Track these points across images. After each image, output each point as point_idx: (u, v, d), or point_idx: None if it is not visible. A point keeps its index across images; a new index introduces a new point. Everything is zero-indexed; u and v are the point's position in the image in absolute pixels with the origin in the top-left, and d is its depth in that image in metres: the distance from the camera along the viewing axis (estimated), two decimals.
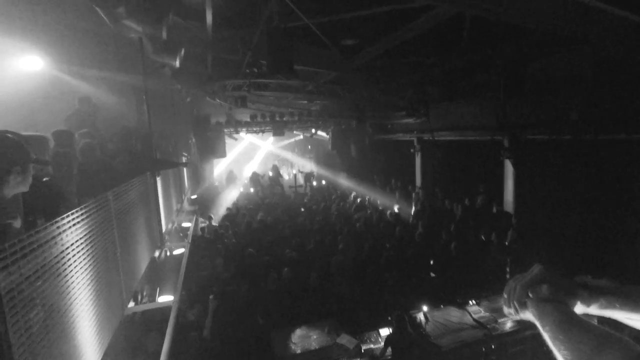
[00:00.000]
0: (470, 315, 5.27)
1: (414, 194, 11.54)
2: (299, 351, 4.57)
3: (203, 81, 8.00)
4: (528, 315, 0.76)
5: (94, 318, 2.24)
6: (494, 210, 8.72)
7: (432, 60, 7.23)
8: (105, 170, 3.31)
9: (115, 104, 6.10)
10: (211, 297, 4.59)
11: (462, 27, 5.26)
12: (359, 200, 11.66)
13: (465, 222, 8.49)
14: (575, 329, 0.64)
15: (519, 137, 7.91)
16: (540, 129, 7.31)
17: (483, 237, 7.42)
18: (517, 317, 0.80)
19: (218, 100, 9.04)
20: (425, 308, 5.37)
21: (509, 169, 8.33)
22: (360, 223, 8.63)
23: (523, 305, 0.77)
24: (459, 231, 7.76)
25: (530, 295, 0.75)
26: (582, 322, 0.66)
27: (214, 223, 8.81)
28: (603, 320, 0.76)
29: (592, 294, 0.72)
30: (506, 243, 7.10)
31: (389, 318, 4.78)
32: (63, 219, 1.85)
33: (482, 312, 5.34)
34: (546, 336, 0.68)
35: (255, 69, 6.80)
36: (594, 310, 0.73)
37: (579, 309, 0.73)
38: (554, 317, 0.68)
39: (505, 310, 0.83)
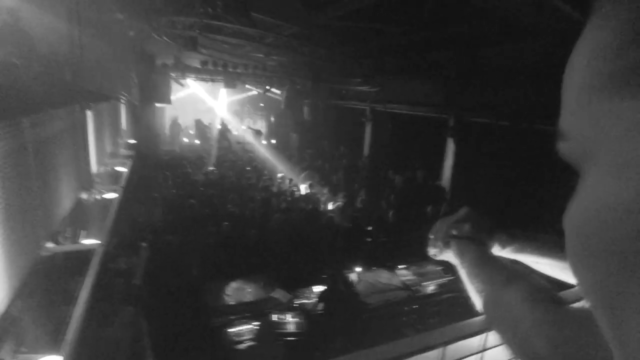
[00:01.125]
0: (399, 278, 5.65)
1: (359, 162, 11.80)
2: (232, 302, 4.61)
3: (149, 14, 7.23)
4: (449, 255, 0.81)
5: (3, 254, 2.02)
6: (432, 184, 9.24)
7: (393, 30, 7.17)
8: (25, 96, 2.91)
9: (45, 24, 5.32)
10: (144, 245, 4.40)
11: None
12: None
13: (404, 193, 8.91)
14: (488, 265, 0.70)
15: (463, 117, 8.32)
16: (483, 112, 7.72)
17: (419, 208, 7.86)
18: (440, 257, 0.85)
19: (165, 39, 8.28)
20: (358, 269, 5.64)
21: (450, 147, 8.76)
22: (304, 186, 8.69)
23: (447, 244, 0.82)
24: (398, 201, 8.13)
25: (454, 233, 0.81)
26: (496, 260, 0.73)
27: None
28: (515, 263, 0.83)
29: (508, 238, 0.79)
30: (439, 215, 7.58)
31: (323, 276, 4.95)
32: None
33: (409, 275, 5.74)
34: (463, 272, 0.73)
35: (209, 8, 6.27)
36: (508, 252, 0.80)
37: (496, 250, 0.79)
38: (471, 254, 0.74)
39: (431, 251, 0.87)
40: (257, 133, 15.80)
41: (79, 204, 4.08)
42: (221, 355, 4.01)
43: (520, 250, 0.79)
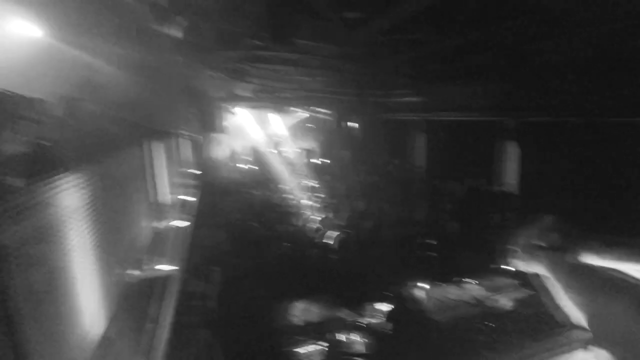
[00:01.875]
0: (469, 293, 5.31)
1: (414, 174, 11.51)
2: (299, 323, 4.63)
3: (203, 53, 7.80)
4: (537, 267, 0.74)
5: (96, 282, 2.23)
6: (496, 191, 8.70)
7: (436, 37, 7.03)
8: (105, 139, 3.25)
9: (115, 75, 5.96)
10: (217, 269, 4.61)
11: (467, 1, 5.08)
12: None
13: (466, 202, 8.49)
14: (588, 277, 0.63)
15: (524, 118, 7.82)
16: (546, 110, 7.20)
17: (483, 217, 7.43)
18: (526, 269, 0.78)
19: (218, 73, 8.86)
20: (424, 285, 5.41)
21: (511, 150, 8.25)
22: (361, 202, 8.63)
23: (532, 256, 0.75)
24: (460, 211, 7.76)
25: (541, 244, 0.74)
26: (595, 270, 0.65)
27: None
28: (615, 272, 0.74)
29: (604, 245, 0.71)
30: (506, 223, 7.11)
31: (389, 294, 4.81)
32: (60, 179, 1.80)
33: (481, 290, 5.38)
34: (555, 285, 0.66)
35: (256, 41, 6.61)
36: (606, 261, 0.71)
37: (591, 259, 0.71)
38: (566, 266, 0.67)
39: (515, 263, 0.81)
40: (309, 153, 16.13)
41: (155, 233, 4.41)
42: None
43: (621, 257, 0.71)
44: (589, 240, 0.73)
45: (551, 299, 0.70)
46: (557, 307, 0.68)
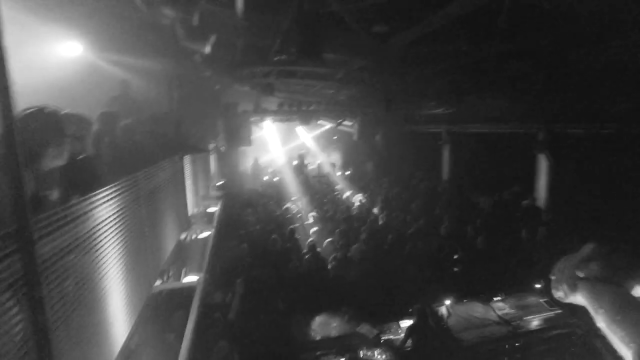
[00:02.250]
0: (495, 311, 5.15)
1: (439, 187, 11.32)
2: (318, 337, 4.62)
3: (232, 68, 8.05)
4: (578, 298, 0.70)
5: (124, 293, 2.34)
6: (524, 205, 8.41)
7: (465, 48, 6.95)
8: (138, 152, 3.42)
9: (148, 90, 6.27)
10: (239, 281, 4.69)
11: (499, 11, 5.02)
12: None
13: (493, 217, 8.25)
14: (635, 311, 0.59)
15: (556, 129, 7.57)
16: (578, 121, 6.94)
17: (512, 233, 7.19)
18: (567, 300, 0.74)
19: (246, 88, 9.10)
20: (447, 302, 5.28)
21: (542, 163, 7.98)
22: (383, 214, 8.56)
23: (573, 287, 0.71)
24: (487, 225, 7.55)
25: (582, 275, 0.70)
26: None
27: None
28: None
29: None
30: (536, 239, 6.84)
31: (410, 310, 4.73)
32: (96, 194, 1.92)
33: (507, 308, 5.20)
34: (600, 319, 0.63)
35: (284, 55, 6.78)
36: None
37: (636, 290, 0.67)
38: (609, 298, 0.63)
39: (555, 293, 0.77)
40: (332, 165, 16.18)
41: (179, 244, 4.55)
42: None
43: None
44: (635, 270, 0.69)
45: (591, 329, 0.67)
46: (599, 338, 0.65)
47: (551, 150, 7.76)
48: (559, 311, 4.97)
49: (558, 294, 0.77)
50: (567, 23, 5.30)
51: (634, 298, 0.64)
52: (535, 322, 4.93)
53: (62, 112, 2.17)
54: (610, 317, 0.62)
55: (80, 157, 2.27)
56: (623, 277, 0.66)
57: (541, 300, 5.28)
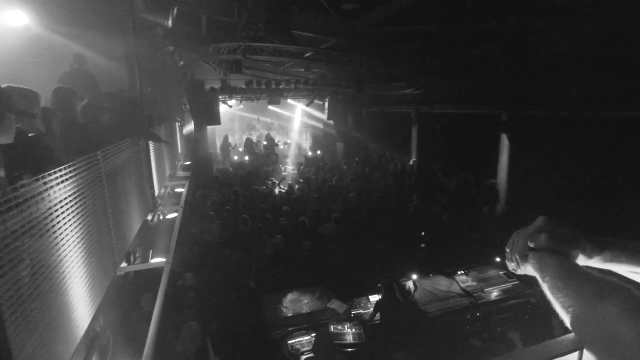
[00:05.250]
0: (458, 285, 5.41)
1: (408, 167, 11.57)
2: (290, 314, 4.69)
3: (197, 43, 7.72)
4: (529, 269, 0.75)
5: (85, 276, 2.25)
6: (487, 184, 8.79)
7: (433, 29, 7.00)
8: (98, 131, 3.24)
9: (105, 65, 5.90)
10: (207, 261, 4.60)
11: None
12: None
13: (458, 196, 8.56)
14: (575, 278, 0.63)
15: (517, 112, 7.85)
16: (538, 104, 7.23)
17: (475, 211, 7.51)
18: (520, 272, 0.78)
19: (212, 65, 8.78)
20: (414, 277, 5.49)
21: (504, 144, 8.30)
22: (354, 194, 8.66)
23: (524, 258, 0.75)
24: (452, 204, 7.83)
25: (531, 245, 0.74)
26: (582, 271, 0.65)
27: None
28: (606, 273, 0.74)
29: (596, 246, 0.71)
30: (497, 216, 7.20)
31: (379, 285, 4.89)
32: (50, 174, 1.81)
33: (470, 281, 5.48)
34: (545, 287, 0.67)
35: (251, 32, 6.56)
36: (597, 262, 0.71)
37: (581, 260, 0.71)
38: (554, 267, 0.67)
39: (509, 265, 0.81)
40: (302, 145, 16.12)
41: (146, 226, 4.42)
42: None
43: (614, 259, 0.71)
44: (579, 242, 0.73)
45: (540, 298, 0.71)
46: (545, 307, 0.69)
47: (512, 131, 8.06)
48: (517, 283, 5.30)
49: (511, 265, 0.81)
50: (528, 8, 5.46)
51: (576, 266, 0.68)
52: (494, 294, 5.24)
53: (6, 86, 2.01)
54: (554, 284, 0.65)
55: (31, 134, 2.12)
56: (567, 247, 0.71)
57: (501, 273, 5.60)
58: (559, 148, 7.01)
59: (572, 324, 0.60)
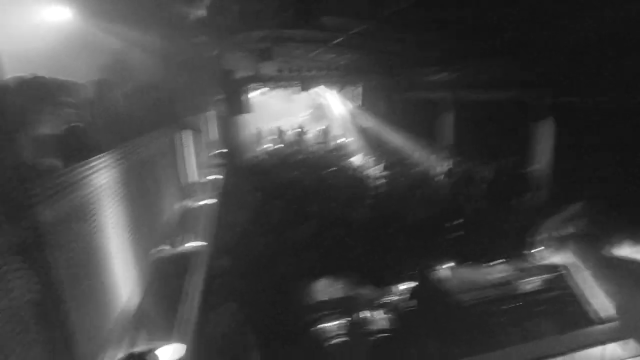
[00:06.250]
0: (495, 274, 5.25)
1: (442, 154, 11.26)
2: (322, 299, 4.74)
3: (227, 32, 7.80)
4: (569, 255, 0.72)
5: (127, 258, 2.37)
6: (527, 173, 8.38)
7: (466, 11, 6.66)
8: (133, 120, 3.37)
9: (142, 57, 6.08)
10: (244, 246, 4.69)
11: None
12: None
13: (496, 183, 8.26)
14: (617, 266, 0.61)
15: (560, 98, 7.39)
16: (584, 91, 6.75)
17: (512, 199, 7.21)
18: (553, 258, 0.75)
19: (243, 53, 8.85)
20: (450, 264, 5.38)
21: (545, 131, 7.85)
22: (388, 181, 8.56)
23: (563, 243, 0.72)
24: (490, 192, 7.56)
25: (571, 231, 0.71)
26: (626, 260, 0.63)
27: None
28: None
29: (636, 235, 0.67)
30: (535, 205, 6.87)
31: (414, 272, 4.83)
32: (93, 161, 1.90)
33: (507, 271, 5.29)
34: (585, 273, 0.65)
35: (280, 19, 6.53)
36: (637, 251, 0.67)
37: (624, 250, 0.68)
38: (596, 254, 0.65)
39: (545, 251, 0.78)
40: (335, 131, 16.06)
41: (183, 211, 4.59)
42: (313, 351, 4.14)
43: None
44: (620, 229, 0.70)
45: (578, 287, 0.69)
46: (584, 295, 0.67)
47: (552, 118, 7.61)
48: (557, 273, 5.06)
49: (545, 252, 0.79)
50: None
51: (618, 255, 0.66)
52: (533, 284, 5.03)
53: (56, 80, 2.12)
54: (597, 271, 0.63)
55: (73, 124, 2.23)
56: (610, 235, 0.68)
57: (540, 263, 5.37)
58: (602, 136, 6.55)
59: (615, 311, 0.57)
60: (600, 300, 0.59)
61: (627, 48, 5.67)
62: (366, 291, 4.80)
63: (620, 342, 1.27)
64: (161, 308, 2.61)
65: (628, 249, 0.68)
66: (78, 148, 2.06)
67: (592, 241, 0.69)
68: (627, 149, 5.97)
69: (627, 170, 6.10)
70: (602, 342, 1.29)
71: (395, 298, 4.83)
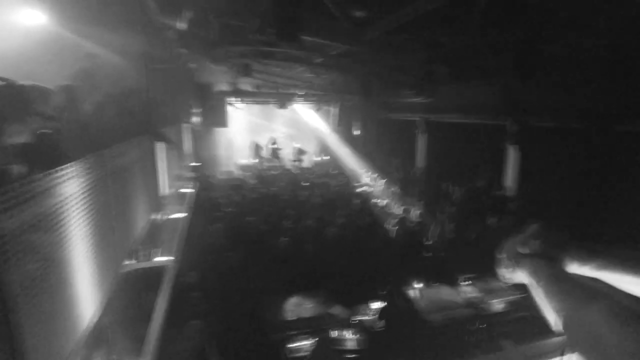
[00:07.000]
0: (462, 295, 5.36)
1: (413, 175, 11.55)
2: (291, 318, 4.68)
3: (208, 46, 7.81)
4: (522, 275, 0.77)
5: (90, 272, 2.27)
6: (493, 194, 8.73)
7: (443, 38, 7.01)
8: (106, 129, 3.29)
9: (117, 65, 5.97)
10: (212, 261, 4.62)
11: (476, 3, 5.08)
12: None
13: (464, 205, 8.53)
14: (566, 283, 0.66)
15: (527, 122, 7.82)
16: (548, 116, 7.19)
17: (480, 221, 7.46)
18: (513, 279, 0.81)
19: (221, 68, 8.87)
20: (418, 285, 5.46)
21: (512, 154, 8.27)
22: (359, 200, 8.67)
23: (518, 263, 0.78)
24: (458, 213, 7.80)
25: (525, 251, 0.77)
26: (574, 278, 0.68)
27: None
28: (595, 280, 0.77)
29: (587, 254, 0.74)
30: (503, 227, 7.14)
31: (382, 292, 4.86)
32: (61, 170, 1.84)
33: (474, 292, 5.42)
34: (538, 291, 0.69)
35: (261, 36, 6.62)
36: (589, 270, 0.74)
37: (573, 268, 0.74)
38: (547, 272, 0.70)
39: (502, 271, 0.83)
40: (310, 150, 16.16)
41: (151, 224, 4.45)
42: None
43: (602, 267, 0.73)
44: (570, 248, 0.76)
45: (534, 304, 0.74)
46: (541, 313, 0.72)
47: (520, 141, 8.02)
48: (522, 295, 5.24)
49: (504, 271, 0.83)
50: (544, 16, 5.44)
51: (568, 273, 0.71)
52: (499, 305, 5.17)
53: (26, 85, 2.06)
54: (546, 288, 0.68)
55: (43, 131, 2.16)
56: (561, 253, 0.74)
57: (507, 284, 5.54)
58: (566, 159, 6.96)
59: (562, 328, 0.62)
60: (551, 316, 0.64)
61: (591, 73, 6.13)
62: (336, 310, 4.78)
63: (566, 356, 1.36)
64: (125, 325, 2.49)
65: (576, 266, 0.75)
66: (46, 155, 1.99)
67: (542, 260, 0.74)
68: (590, 171, 6.38)
69: (580, 192, 6.51)
70: (549, 356, 1.37)
71: (364, 318, 4.83)
